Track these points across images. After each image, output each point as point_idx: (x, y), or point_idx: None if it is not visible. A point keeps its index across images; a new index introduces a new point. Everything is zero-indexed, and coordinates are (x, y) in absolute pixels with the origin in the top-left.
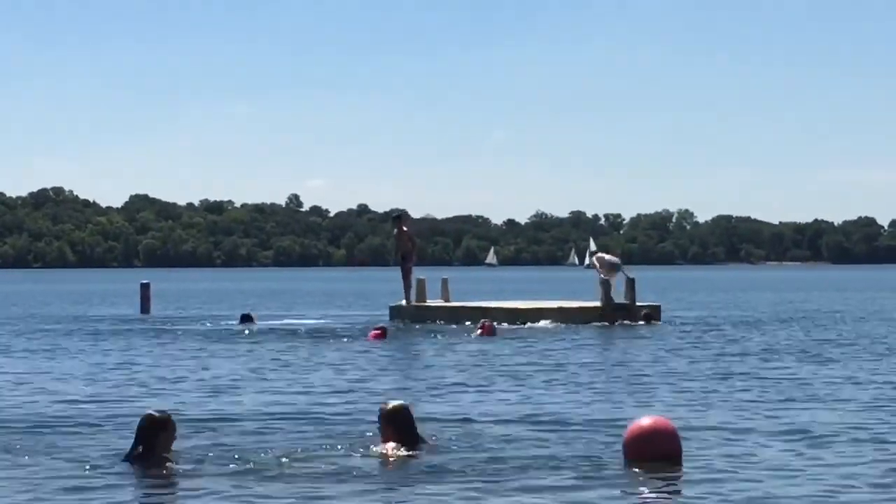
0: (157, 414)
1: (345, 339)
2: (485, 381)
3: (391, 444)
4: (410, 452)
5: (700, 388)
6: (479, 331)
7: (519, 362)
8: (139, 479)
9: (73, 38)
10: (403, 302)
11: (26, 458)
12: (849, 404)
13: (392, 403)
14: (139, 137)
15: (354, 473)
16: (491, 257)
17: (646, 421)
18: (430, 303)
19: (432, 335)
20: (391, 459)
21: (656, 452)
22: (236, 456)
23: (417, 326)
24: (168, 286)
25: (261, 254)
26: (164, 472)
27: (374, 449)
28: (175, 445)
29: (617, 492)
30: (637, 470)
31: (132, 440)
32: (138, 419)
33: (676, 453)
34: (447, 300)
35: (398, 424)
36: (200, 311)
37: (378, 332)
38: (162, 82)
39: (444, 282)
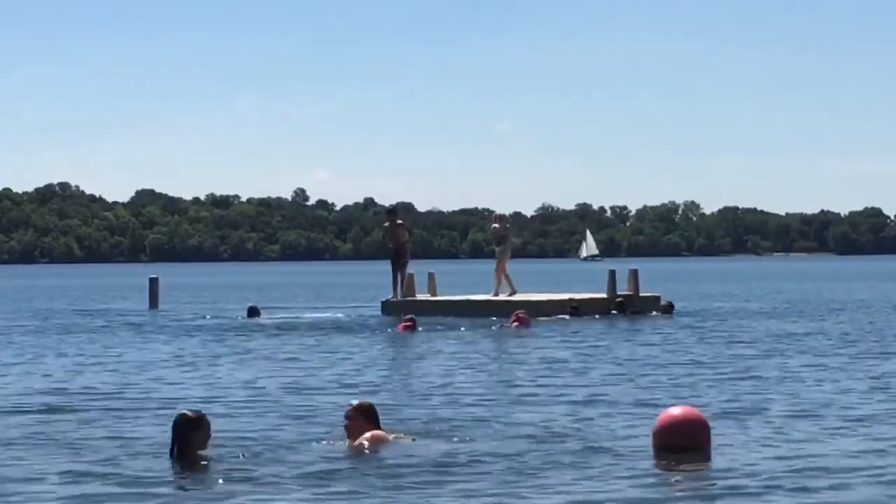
0: (190, 413)
1: (370, 333)
2: (523, 372)
3: (374, 436)
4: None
5: (723, 377)
6: (514, 323)
7: (555, 353)
8: (171, 477)
9: (79, 33)
10: (391, 296)
11: (47, 450)
12: (878, 392)
13: (360, 399)
14: (145, 132)
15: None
16: (592, 248)
17: (675, 410)
18: (419, 297)
19: (462, 328)
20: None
21: (686, 442)
22: (268, 454)
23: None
24: (175, 281)
25: (267, 248)
26: (195, 470)
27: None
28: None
29: (646, 481)
30: (666, 460)
31: (171, 438)
32: (172, 417)
33: (706, 443)
34: (434, 294)
35: (373, 417)
36: (209, 305)
37: (408, 323)
38: (167, 77)
39: (431, 276)
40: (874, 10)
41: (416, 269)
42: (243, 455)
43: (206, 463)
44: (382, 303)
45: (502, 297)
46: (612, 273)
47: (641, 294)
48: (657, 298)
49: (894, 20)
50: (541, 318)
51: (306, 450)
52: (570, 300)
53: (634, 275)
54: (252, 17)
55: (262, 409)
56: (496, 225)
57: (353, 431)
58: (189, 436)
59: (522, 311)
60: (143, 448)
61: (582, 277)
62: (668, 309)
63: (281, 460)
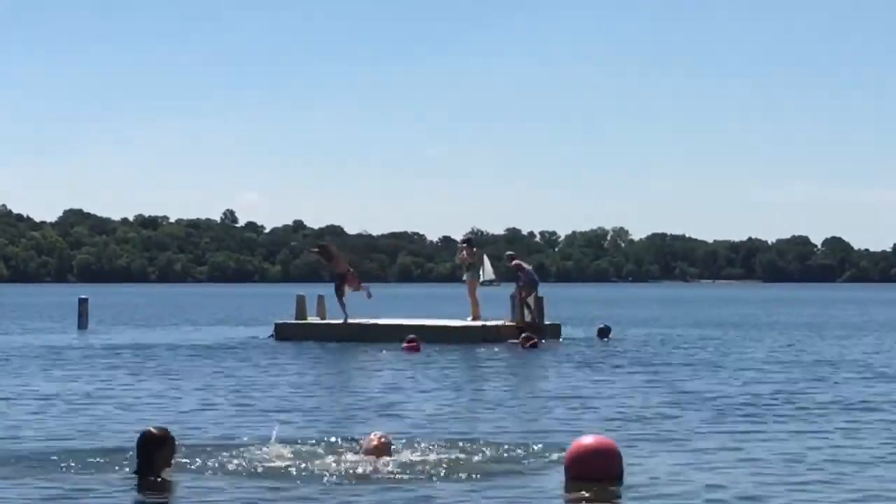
0: (155, 430)
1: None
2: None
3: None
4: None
5: (634, 406)
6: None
7: (458, 379)
8: (136, 495)
9: (9, 51)
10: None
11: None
12: (790, 422)
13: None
14: (74, 152)
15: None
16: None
17: (588, 440)
18: (310, 320)
19: (462, 347)
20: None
21: (598, 472)
22: (243, 472)
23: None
24: (102, 301)
25: (195, 269)
26: (160, 488)
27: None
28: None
29: None
30: (578, 489)
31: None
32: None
33: (618, 473)
34: (323, 317)
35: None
36: (139, 325)
37: (411, 344)
38: (95, 97)
39: (321, 298)
40: (799, 41)
41: (308, 291)
42: (208, 472)
43: (170, 481)
44: (276, 325)
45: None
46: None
47: (546, 322)
48: (559, 326)
49: (821, 48)
50: (450, 346)
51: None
52: (478, 326)
53: (539, 302)
54: (180, 38)
55: (222, 427)
56: (463, 254)
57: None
58: (154, 454)
59: (414, 336)
60: (102, 466)
61: (499, 303)
62: (605, 333)
63: (243, 477)
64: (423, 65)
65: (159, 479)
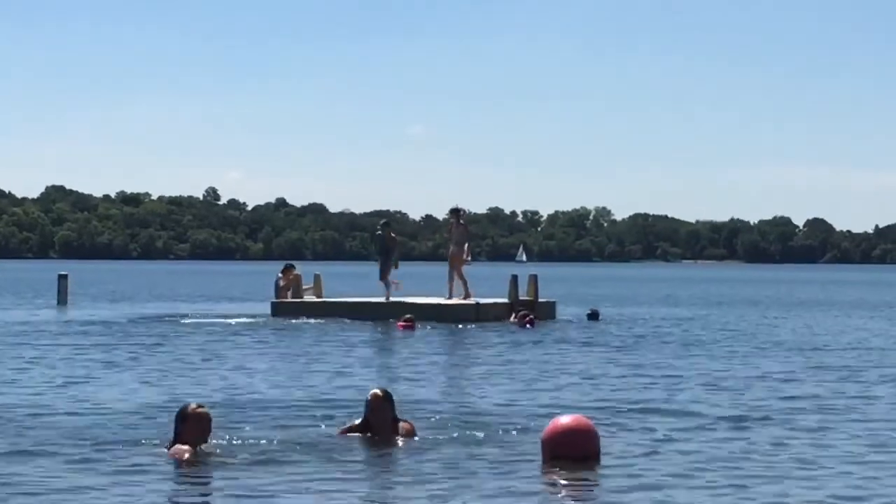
0: (190, 405)
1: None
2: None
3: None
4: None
5: (618, 386)
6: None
7: (448, 358)
8: (166, 467)
9: None
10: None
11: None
12: (761, 394)
13: (379, 388)
14: (55, 128)
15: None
16: (520, 254)
17: (565, 419)
18: (306, 299)
19: (460, 326)
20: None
21: (575, 451)
22: (265, 447)
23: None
24: (83, 277)
25: (177, 246)
26: (192, 461)
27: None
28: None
29: (535, 490)
30: (555, 468)
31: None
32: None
33: (595, 452)
34: (319, 296)
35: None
36: (122, 301)
37: (407, 322)
38: (77, 73)
39: (317, 277)
40: (779, 20)
41: (305, 269)
42: (244, 447)
43: (206, 454)
44: (272, 303)
45: (455, 300)
46: (514, 278)
47: (540, 300)
48: (553, 304)
49: (799, 31)
50: (444, 324)
51: (312, 441)
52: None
53: (534, 280)
54: (166, 12)
55: (249, 407)
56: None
57: (380, 420)
58: (188, 427)
59: (411, 315)
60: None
61: (484, 281)
62: (594, 316)
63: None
64: (407, 43)
65: (187, 453)
